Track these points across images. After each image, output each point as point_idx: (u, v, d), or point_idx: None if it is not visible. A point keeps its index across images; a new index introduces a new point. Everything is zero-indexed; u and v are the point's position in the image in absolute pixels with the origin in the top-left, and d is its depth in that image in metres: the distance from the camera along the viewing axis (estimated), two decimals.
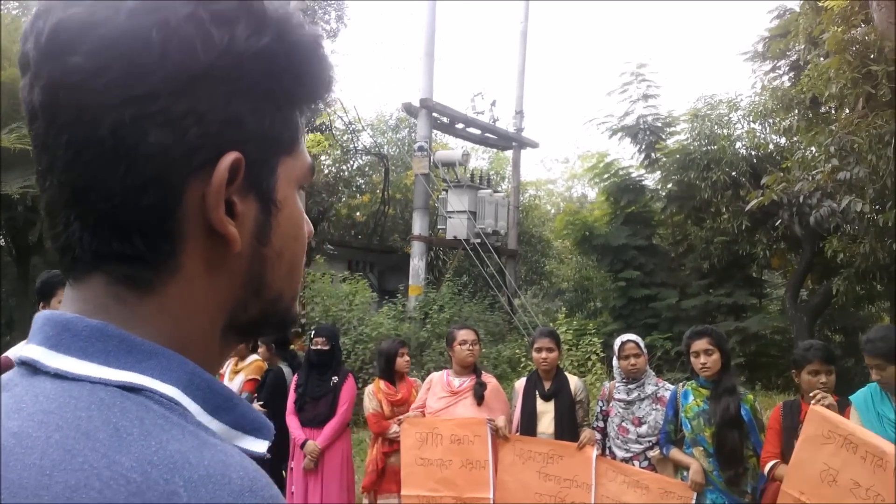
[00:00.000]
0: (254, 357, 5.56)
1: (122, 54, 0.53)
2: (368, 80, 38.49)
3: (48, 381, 0.51)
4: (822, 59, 8.01)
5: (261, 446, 0.59)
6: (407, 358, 5.17)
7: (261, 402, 5.19)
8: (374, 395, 5.02)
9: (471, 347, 4.69)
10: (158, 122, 0.54)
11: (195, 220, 0.56)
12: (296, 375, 5.21)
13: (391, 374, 5.09)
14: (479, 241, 12.51)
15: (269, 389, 5.29)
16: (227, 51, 0.56)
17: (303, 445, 4.93)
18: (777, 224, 10.05)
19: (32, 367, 0.53)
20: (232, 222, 0.58)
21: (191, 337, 0.58)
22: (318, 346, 5.10)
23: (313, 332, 5.32)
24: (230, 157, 0.56)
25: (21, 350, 0.55)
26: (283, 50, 0.59)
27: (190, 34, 0.54)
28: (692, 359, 4.00)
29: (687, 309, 12.52)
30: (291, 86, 0.62)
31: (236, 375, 5.50)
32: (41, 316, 0.56)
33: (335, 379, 5.07)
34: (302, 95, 0.64)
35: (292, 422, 5.03)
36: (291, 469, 5.08)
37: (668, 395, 4.19)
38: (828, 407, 3.26)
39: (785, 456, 3.54)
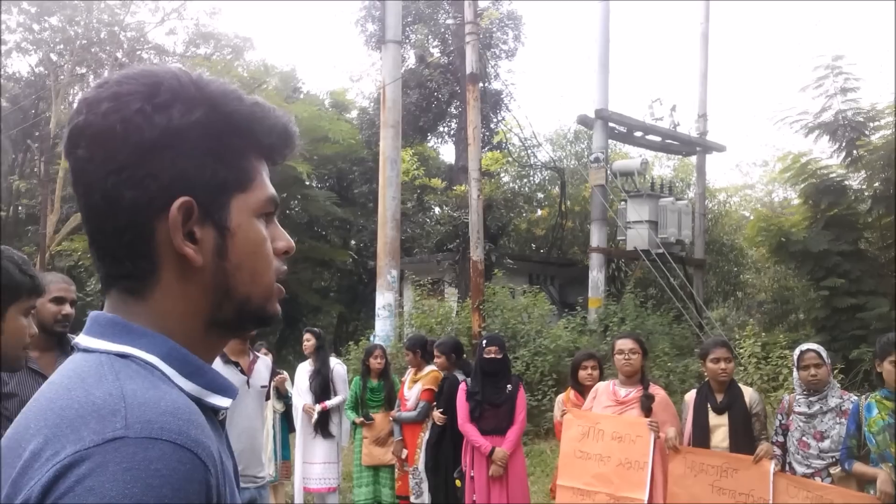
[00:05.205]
0: (430, 368, 5.85)
1: (100, 143, 0.78)
2: (546, 94, 38.61)
3: (79, 353, 0.81)
4: None
5: (224, 402, 0.84)
6: (590, 371, 5.13)
7: (440, 410, 5.46)
8: (563, 403, 5.17)
9: (628, 357, 4.55)
10: (128, 185, 0.78)
11: (166, 247, 0.80)
12: (463, 384, 5.30)
13: (578, 384, 5.16)
14: (660, 251, 12.15)
15: (447, 397, 5.51)
16: (168, 128, 0.79)
17: (491, 453, 5.03)
18: None
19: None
20: (192, 246, 0.80)
21: (175, 327, 0.82)
22: (492, 355, 5.20)
23: (484, 341, 5.39)
24: (179, 202, 0.79)
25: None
26: (218, 118, 0.82)
27: (139, 122, 0.78)
28: (887, 366, 3.70)
29: None
30: (234, 142, 0.84)
31: (415, 384, 5.84)
32: (90, 315, 0.84)
33: (509, 387, 5.21)
34: (249, 147, 0.86)
35: (471, 431, 5.11)
36: (472, 478, 5.14)
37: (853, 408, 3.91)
38: None
39: None
